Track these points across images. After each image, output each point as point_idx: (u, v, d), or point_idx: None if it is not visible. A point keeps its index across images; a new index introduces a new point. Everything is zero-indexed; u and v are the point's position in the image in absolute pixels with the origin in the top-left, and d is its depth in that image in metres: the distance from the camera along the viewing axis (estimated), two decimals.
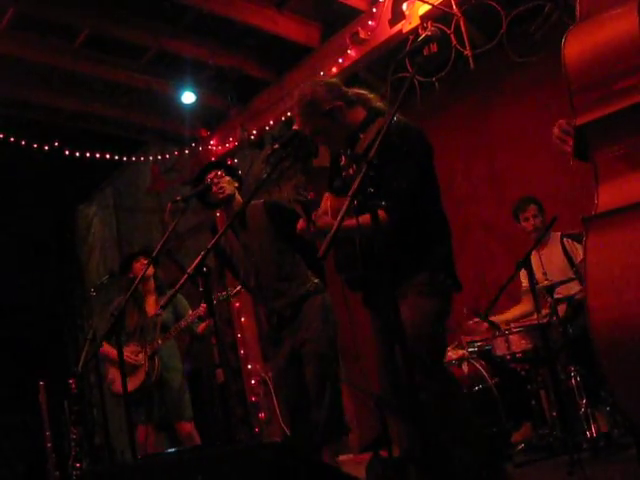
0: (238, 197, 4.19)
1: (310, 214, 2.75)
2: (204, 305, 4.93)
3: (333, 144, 3.05)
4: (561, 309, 4.57)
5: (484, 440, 3.08)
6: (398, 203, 2.77)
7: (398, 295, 2.84)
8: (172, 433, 5.20)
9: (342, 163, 3.03)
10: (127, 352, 5.03)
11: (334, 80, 3.12)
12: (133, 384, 4.98)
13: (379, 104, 3.03)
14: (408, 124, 2.94)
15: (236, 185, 4.21)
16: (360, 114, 3.00)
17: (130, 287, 4.07)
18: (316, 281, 4.10)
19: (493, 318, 5.02)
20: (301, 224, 2.90)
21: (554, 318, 4.39)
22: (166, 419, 5.09)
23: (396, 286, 2.85)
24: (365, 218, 2.71)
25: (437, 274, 2.94)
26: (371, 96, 3.03)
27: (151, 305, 5.26)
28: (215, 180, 4.11)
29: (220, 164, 4.53)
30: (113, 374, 5.16)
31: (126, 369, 4.78)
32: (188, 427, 5.15)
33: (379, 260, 2.65)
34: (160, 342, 5.06)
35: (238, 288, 4.80)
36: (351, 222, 2.52)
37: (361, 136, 2.90)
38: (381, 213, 2.74)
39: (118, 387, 4.99)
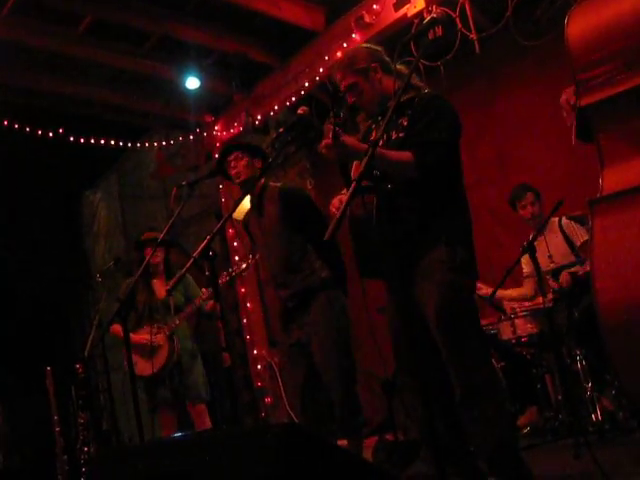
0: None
1: (337, 134, 2.72)
2: (205, 290, 5.05)
3: (364, 104, 3.17)
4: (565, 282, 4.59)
5: (512, 429, 3.06)
6: (427, 149, 2.84)
7: (419, 272, 2.89)
8: (183, 415, 5.19)
9: (372, 137, 3.03)
10: (143, 334, 5.01)
11: (378, 48, 3.27)
12: (156, 365, 4.98)
13: (416, 80, 3.13)
14: (441, 97, 3.06)
15: (258, 166, 4.07)
16: (395, 84, 3.05)
17: (139, 270, 4.12)
18: (324, 275, 3.99)
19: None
20: (324, 143, 2.84)
21: (558, 291, 4.42)
22: (181, 400, 5.08)
23: (414, 260, 2.91)
24: (394, 153, 2.83)
25: (455, 247, 2.93)
26: (407, 72, 3.05)
27: (159, 287, 5.23)
28: (233, 164, 4.05)
29: (240, 145, 4.30)
30: (133, 357, 5.08)
31: (146, 351, 4.93)
32: (202, 409, 5.14)
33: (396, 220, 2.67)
34: (178, 322, 5.05)
35: (244, 266, 4.74)
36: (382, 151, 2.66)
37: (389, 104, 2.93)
38: (408, 154, 2.83)
39: (140, 370, 4.94)
